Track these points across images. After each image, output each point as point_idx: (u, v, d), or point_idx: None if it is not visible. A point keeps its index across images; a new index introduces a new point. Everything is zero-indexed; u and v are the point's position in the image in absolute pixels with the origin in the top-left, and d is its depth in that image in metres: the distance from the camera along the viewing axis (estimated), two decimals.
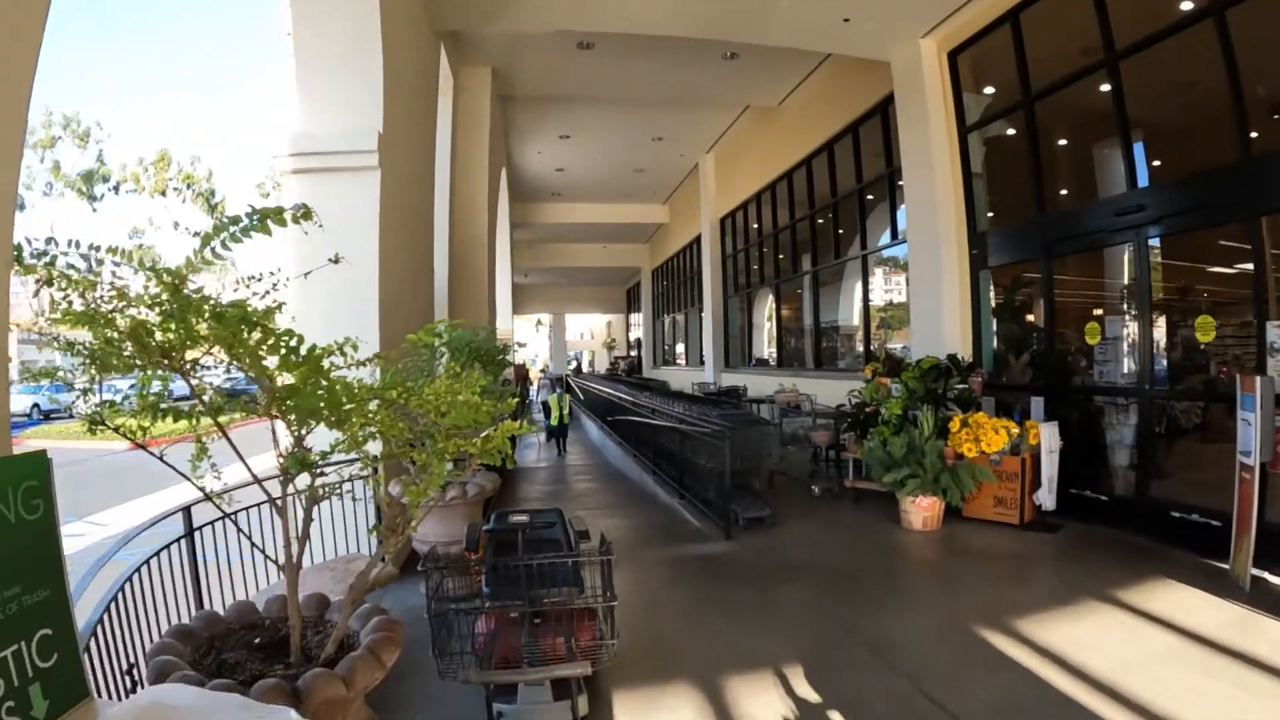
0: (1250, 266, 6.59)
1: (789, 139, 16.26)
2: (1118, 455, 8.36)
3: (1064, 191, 9.60)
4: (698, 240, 23.23)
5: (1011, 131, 10.01)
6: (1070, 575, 6.75)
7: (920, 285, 10.76)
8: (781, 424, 11.56)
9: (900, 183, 11.62)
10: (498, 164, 17.38)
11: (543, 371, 28.04)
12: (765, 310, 19.67)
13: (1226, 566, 6.27)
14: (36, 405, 32.86)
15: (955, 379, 8.97)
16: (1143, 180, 7.87)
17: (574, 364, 45.50)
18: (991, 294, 10.21)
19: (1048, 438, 7.99)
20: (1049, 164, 9.36)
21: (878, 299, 14.86)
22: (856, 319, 14.70)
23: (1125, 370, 8.25)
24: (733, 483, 8.44)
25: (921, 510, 8.13)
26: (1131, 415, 8.05)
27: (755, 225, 19.41)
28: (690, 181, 23.81)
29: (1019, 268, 10.07)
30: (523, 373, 33.74)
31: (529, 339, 57.77)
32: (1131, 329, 8.03)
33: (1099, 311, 8.79)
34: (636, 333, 42.01)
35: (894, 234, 12.60)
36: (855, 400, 9.78)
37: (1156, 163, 8.05)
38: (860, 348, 14.45)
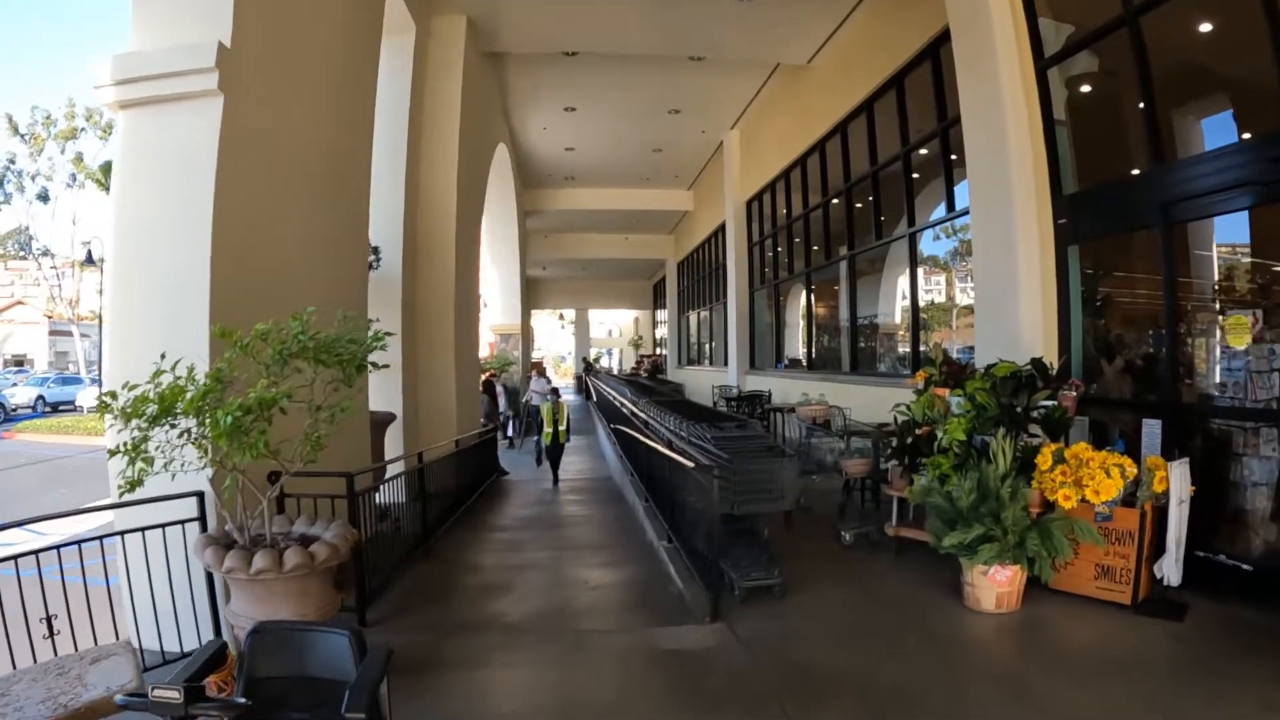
0: None
1: (821, 103, 14.12)
2: (1269, 506, 6.06)
3: (1189, 138, 7.13)
4: (722, 228, 21.22)
5: (1102, 66, 7.80)
6: (1233, 698, 4.39)
7: (988, 267, 8.32)
8: (806, 445, 8.99)
9: (954, 149, 9.55)
10: (489, 135, 15.61)
11: (536, 369, 25.68)
12: (795, 305, 17.49)
13: None
14: (41, 398, 33.32)
15: (1041, 392, 6.48)
16: None
17: (584, 362, 43.04)
18: (1079, 277, 7.76)
19: (1178, 483, 5.60)
20: (1165, 97, 6.86)
21: (932, 291, 12.82)
22: (900, 313, 12.35)
23: None
24: (728, 532, 6.26)
25: (996, 586, 5.69)
26: None
27: (784, 208, 17.20)
28: (715, 163, 21.90)
29: (1122, 241, 7.79)
30: (540, 369, 31.95)
31: (553, 335, 55.71)
32: None
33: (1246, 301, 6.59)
34: (663, 330, 40.15)
35: (949, 204, 10.20)
36: (902, 417, 7.28)
37: None
38: (905, 348, 12.20)
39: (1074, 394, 6.55)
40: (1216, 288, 7.08)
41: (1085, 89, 8.22)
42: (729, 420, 8.21)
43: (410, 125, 10.90)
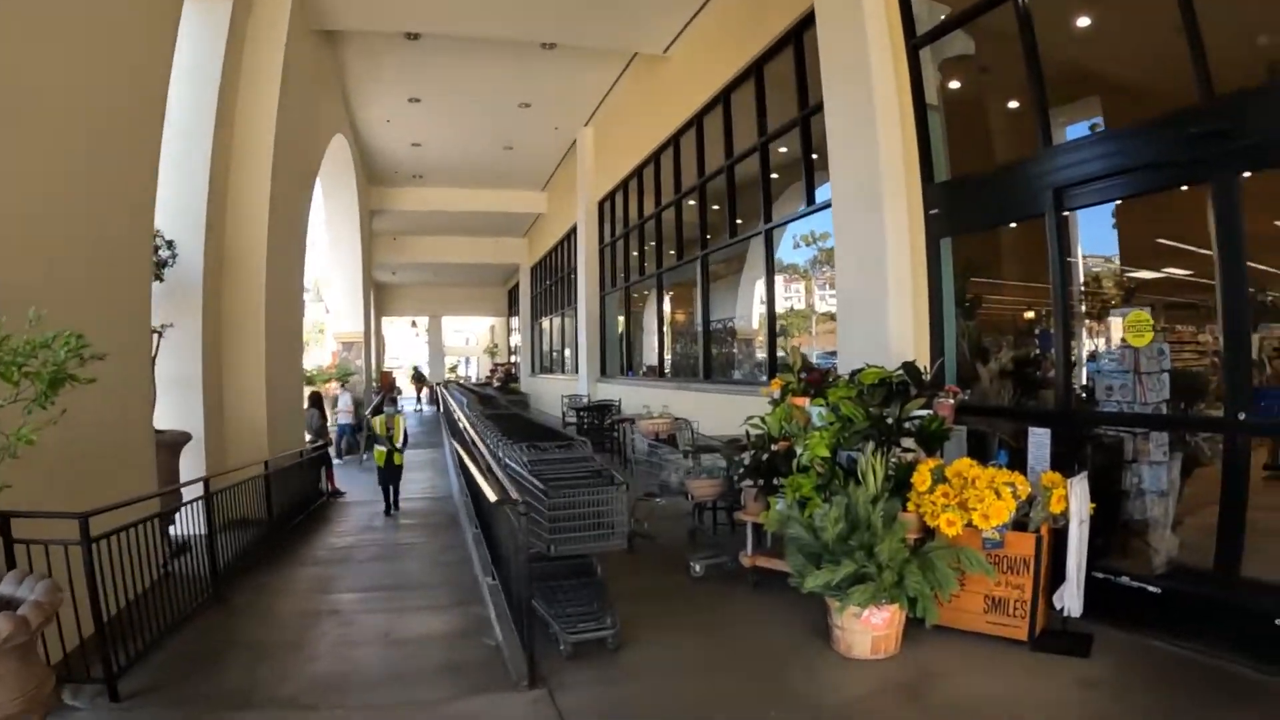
0: None
1: (677, 96, 13.24)
2: (1178, 524, 5.60)
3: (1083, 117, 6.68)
4: (575, 230, 20.25)
5: (980, 46, 7.25)
6: None
7: (852, 263, 7.50)
8: (648, 463, 7.87)
9: (816, 140, 8.70)
10: (320, 123, 14.13)
11: (386, 382, 23.81)
12: (648, 309, 16.66)
13: None
14: None
15: (915, 401, 5.63)
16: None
17: (415, 371, 40.81)
18: (953, 273, 7.07)
19: (1078, 501, 4.82)
20: (1055, 75, 6.23)
21: (792, 299, 12.16)
22: (758, 318, 11.49)
23: (1198, 389, 5.86)
24: (552, 572, 5.47)
25: (872, 629, 4.75)
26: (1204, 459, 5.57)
27: (637, 207, 16.34)
28: (569, 163, 20.90)
29: (1003, 233, 7.31)
30: (389, 381, 30.19)
31: (408, 344, 53.58)
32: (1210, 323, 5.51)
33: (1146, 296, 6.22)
34: (518, 338, 38.66)
35: (809, 198, 9.40)
36: (756, 431, 6.30)
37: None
38: (764, 354, 11.41)
39: (951, 402, 5.76)
40: (1110, 282, 6.56)
41: (962, 71, 7.70)
42: (555, 439, 7.03)
43: (220, 105, 9.41)
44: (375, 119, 18.03)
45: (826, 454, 5.37)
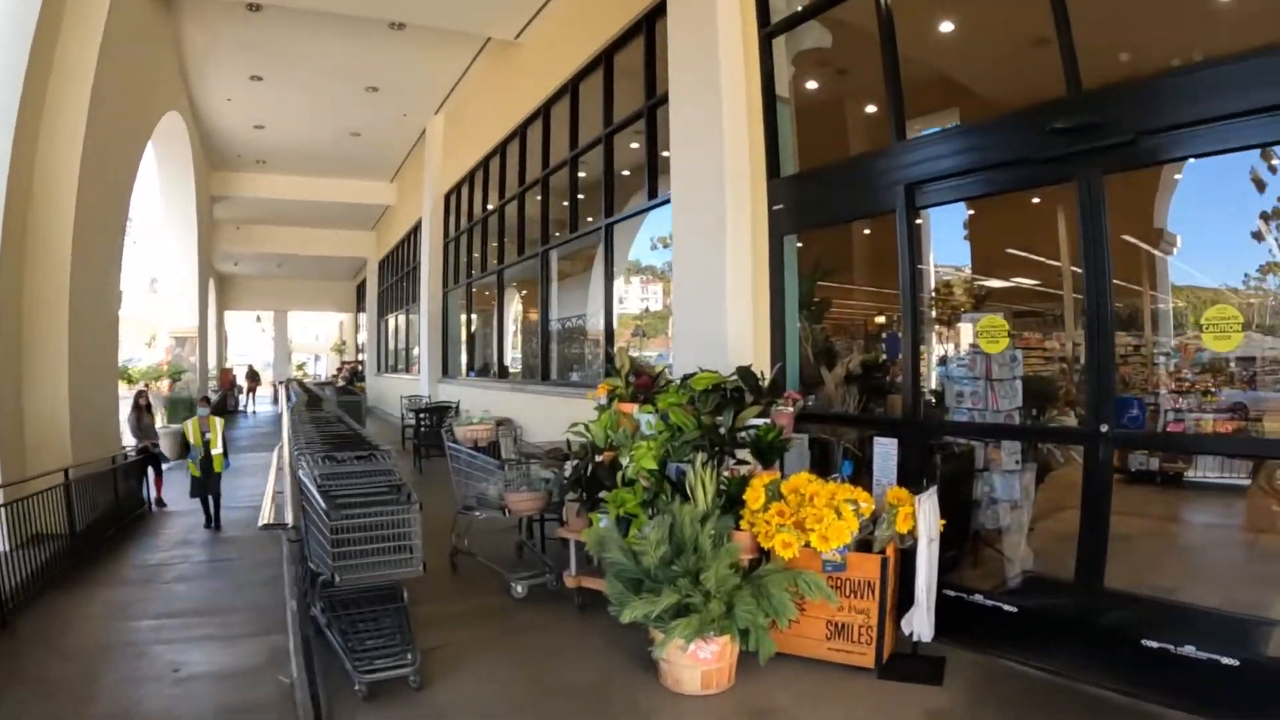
0: None
1: (527, 85, 12.58)
2: (1037, 539, 5.62)
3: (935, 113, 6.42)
4: (422, 223, 19.27)
5: (836, 39, 6.93)
6: None
7: (690, 259, 7.01)
8: (466, 474, 7.08)
9: (660, 132, 8.31)
10: (150, 97, 12.85)
11: (227, 380, 22.08)
12: (489, 306, 15.81)
13: None
14: None
15: (750, 408, 5.14)
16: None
17: (249, 369, 38.10)
18: (796, 272, 6.72)
19: (927, 519, 4.44)
20: (914, 66, 5.99)
21: (648, 300, 11.89)
22: (599, 314, 10.88)
23: (1048, 395, 5.97)
24: (349, 599, 4.87)
25: (700, 664, 4.21)
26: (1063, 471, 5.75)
27: (482, 200, 15.60)
28: (418, 154, 19.87)
29: (850, 230, 7.14)
30: (229, 380, 28.45)
31: (254, 341, 50.76)
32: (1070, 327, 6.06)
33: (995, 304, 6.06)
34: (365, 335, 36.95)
35: (651, 191, 8.87)
36: (579, 441, 5.71)
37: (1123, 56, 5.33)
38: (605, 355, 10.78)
39: (791, 410, 5.30)
40: (960, 289, 6.33)
41: (816, 64, 7.50)
42: (357, 448, 6.20)
43: (31, 67, 8.28)
44: (216, 97, 16.64)
45: (654, 466, 4.84)
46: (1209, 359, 9.87)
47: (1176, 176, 10.55)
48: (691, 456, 4.76)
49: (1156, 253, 7.64)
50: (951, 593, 5.01)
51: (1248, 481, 7.70)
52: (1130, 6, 5.52)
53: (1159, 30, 5.56)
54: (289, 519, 4.20)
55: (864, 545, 4.52)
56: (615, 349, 6.35)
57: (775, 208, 6.56)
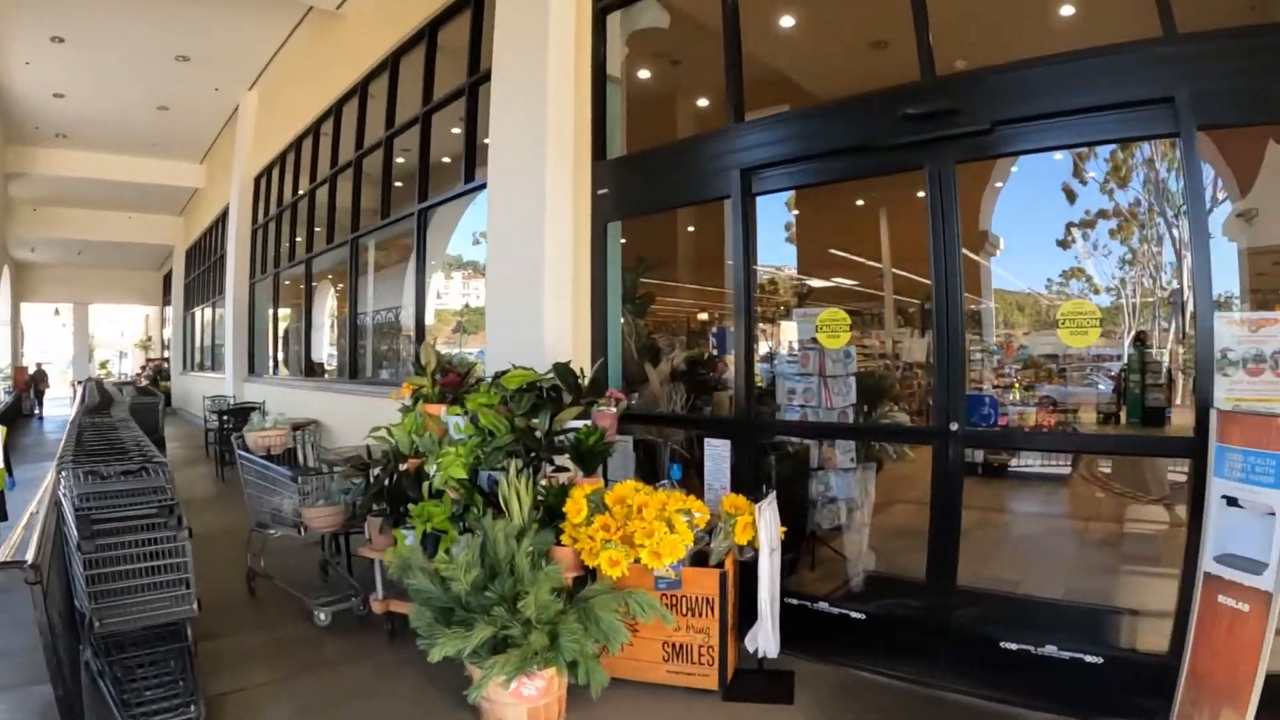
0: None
1: (345, 60, 11.63)
2: (875, 536, 5.51)
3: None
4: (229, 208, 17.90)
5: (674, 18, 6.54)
6: None
7: (505, 247, 6.47)
8: (260, 486, 6.24)
9: (481, 112, 7.65)
10: None
11: (21, 380, 20.00)
12: (299, 298, 14.86)
13: None
14: None
15: (569, 410, 4.63)
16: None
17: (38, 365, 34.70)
18: (620, 261, 6.32)
19: (768, 528, 4.05)
20: (755, 65, 5.70)
21: (470, 296, 11.28)
22: (411, 308, 10.18)
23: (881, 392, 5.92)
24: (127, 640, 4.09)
25: (525, 702, 3.66)
26: (912, 471, 5.71)
27: (292, 183, 14.53)
28: (231, 131, 18.27)
29: (679, 218, 6.81)
30: (24, 380, 25.92)
31: (53, 336, 46.64)
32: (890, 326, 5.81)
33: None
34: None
35: (468, 174, 8.23)
36: (384, 447, 5.05)
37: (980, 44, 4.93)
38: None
39: (613, 410, 4.82)
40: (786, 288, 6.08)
41: (651, 43, 7.05)
42: (125, 460, 5.30)
43: None
44: (12, 58, 14.78)
45: (463, 475, 4.26)
46: (1030, 355, 10.38)
47: (999, 185, 10.99)
48: (505, 464, 4.22)
49: (979, 259, 7.76)
50: (795, 601, 4.73)
51: (1068, 470, 7.93)
52: None
53: (1020, 16, 5.53)
54: (30, 554, 3.43)
55: (700, 558, 4.10)
56: (422, 344, 5.67)
57: (600, 192, 6.10)
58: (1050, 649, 4.03)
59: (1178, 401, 9.40)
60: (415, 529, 4.28)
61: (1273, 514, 3.09)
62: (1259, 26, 3.88)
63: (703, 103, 6.95)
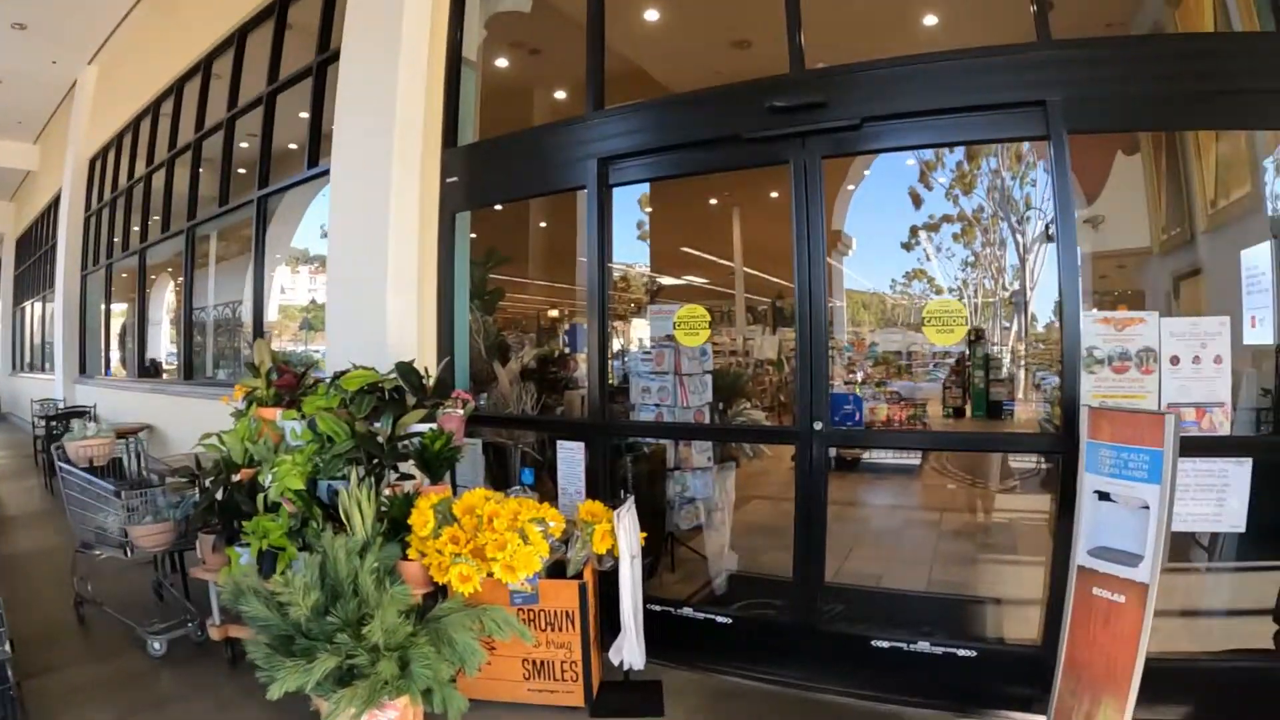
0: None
1: (191, 33, 10.86)
2: (748, 539, 5.59)
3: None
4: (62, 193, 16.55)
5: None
6: None
7: (347, 236, 6.09)
8: (80, 500, 5.64)
9: (329, 93, 7.18)
10: None
11: None
12: (133, 291, 13.71)
13: None
14: None
15: (413, 412, 4.34)
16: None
17: None
18: (468, 253, 6.03)
19: (628, 535, 3.88)
20: (622, 37, 5.83)
21: (316, 291, 10.44)
22: (249, 303, 9.59)
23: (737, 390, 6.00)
24: None
25: None
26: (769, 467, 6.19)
27: (129, 167, 13.54)
28: (69, 109, 16.77)
29: (534, 208, 6.71)
30: None
31: None
32: (740, 324, 5.78)
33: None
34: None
35: (312, 159, 7.71)
36: (215, 456, 4.63)
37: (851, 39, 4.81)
38: (278, 346, 9.85)
39: (460, 412, 4.57)
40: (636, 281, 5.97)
41: (511, 28, 6.92)
42: None
43: None
44: None
45: (300, 486, 3.91)
46: (880, 353, 10.79)
47: (851, 188, 11.29)
48: (346, 472, 3.91)
49: (831, 259, 7.89)
50: (658, 608, 4.60)
51: (918, 461, 8.16)
52: None
53: (895, 15, 5.58)
54: None
55: (557, 568, 3.90)
56: (256, 342, 5.19)
57: (449, 180, 5.81)
58: (923, 645, 4.06)
59: (1020, 396, 10.05)
60: (250, 547, 3.93)
61: (1147, 508, 3.12)
62: (1130, 38, 3.99)
63: (561, 95, 6.75)
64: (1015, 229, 11.92)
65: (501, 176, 5.67)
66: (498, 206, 6.22)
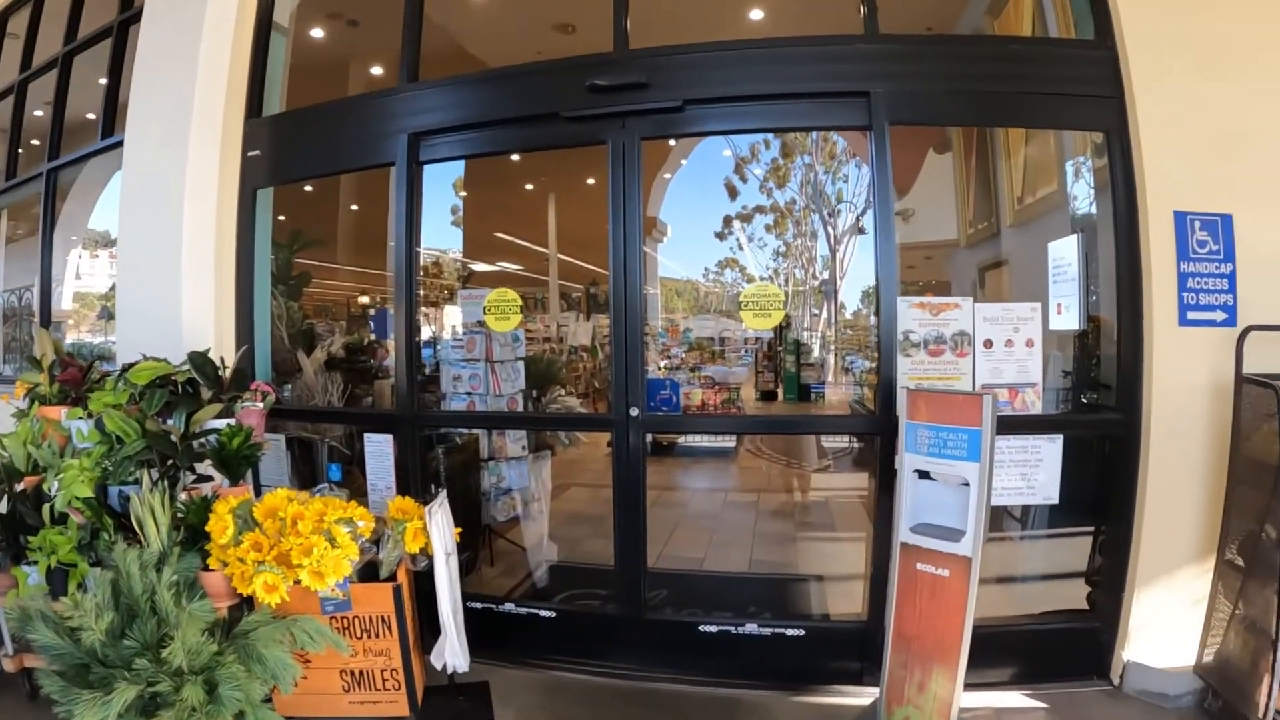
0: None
1: None
2: (568, 528, 5.67)
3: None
4: None
5: None
6: None
7: (139, 215, 5.56)
8: None
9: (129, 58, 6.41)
10: None
11: None
12: None
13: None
14: None
15: (209, 407, 4.02)
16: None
17: None
18: (270, 233, 5.68)
19: (442, 533, 3.77)
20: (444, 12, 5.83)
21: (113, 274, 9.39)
22: (37, 288, 8.68)
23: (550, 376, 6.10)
24: None
25: None
26: (585, 454, 6.14)
27: None
28: None
29: (341, 185, 6.56)
30: None
31: None
32: (554, 311, 5.93)
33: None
34: None
35: (108, 127, 7.07)
36: None
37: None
38: (88, 336, 9.19)
39: (260, 406, 4.30)
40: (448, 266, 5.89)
41: None
42: None
43: None
44: None
45: (89, 493, 3.60)
46: (695, 339, 11.03)
47: (668, 176, 11.41)
48: (138, 476, 3.60)
49: (646, 247, 8.02)
50: (479, 605, 4.52)
51: (734, 444, 8.36)
52: None
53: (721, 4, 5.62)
54: None
55: (370, 571, 3.73)
56: (38, 332, 4.67)
57: (251, 154, 5.44)
58: (751, 627, 4.16)
59: (829, 380, 10.56)
60: (39, 564, 3.58)
61: (967, 484, 3.24)
62: (954, 36, 4.15)
63: (378, 71, 6.48)
64: (827, 221, 12.45)
65: (307, 151, 5.36)
66: (307, 187, 5.90)
